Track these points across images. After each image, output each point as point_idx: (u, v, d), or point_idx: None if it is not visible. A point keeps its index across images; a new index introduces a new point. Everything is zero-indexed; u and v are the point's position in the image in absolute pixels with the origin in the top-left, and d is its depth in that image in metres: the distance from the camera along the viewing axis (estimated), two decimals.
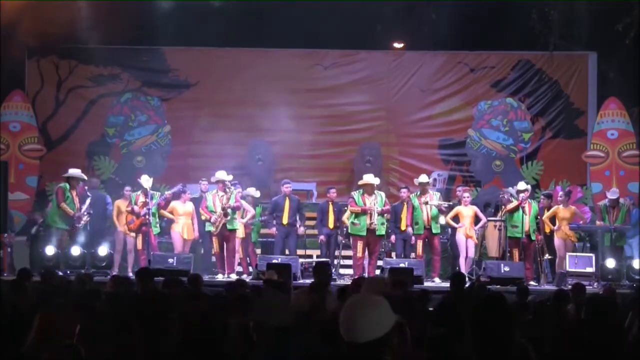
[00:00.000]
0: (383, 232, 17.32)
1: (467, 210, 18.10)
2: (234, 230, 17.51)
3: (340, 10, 20.70)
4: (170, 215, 18.21)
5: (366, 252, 17.33)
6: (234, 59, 22.77)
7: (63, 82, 22.80)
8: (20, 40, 19.97)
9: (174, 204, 18.13)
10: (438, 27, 20.98)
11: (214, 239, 17.48)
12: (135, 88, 23.03)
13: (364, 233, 17.06)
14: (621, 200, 18.60)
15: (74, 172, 17.86)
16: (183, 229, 18.01)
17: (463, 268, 17.71)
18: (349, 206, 17.50)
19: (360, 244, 17.16)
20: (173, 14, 20.65)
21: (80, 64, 22.81)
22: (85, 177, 18.28)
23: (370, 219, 16.94)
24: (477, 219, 18.20)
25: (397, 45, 23.73)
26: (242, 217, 18.11)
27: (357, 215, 17.15)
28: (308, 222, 19.83)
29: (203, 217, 17.63)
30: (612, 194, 18.59)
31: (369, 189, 17.17)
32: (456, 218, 18.16)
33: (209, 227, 17.49)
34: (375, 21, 21.84)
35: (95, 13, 20.19)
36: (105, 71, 22.85)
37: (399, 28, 22.31)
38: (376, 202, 17.06)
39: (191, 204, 18.15)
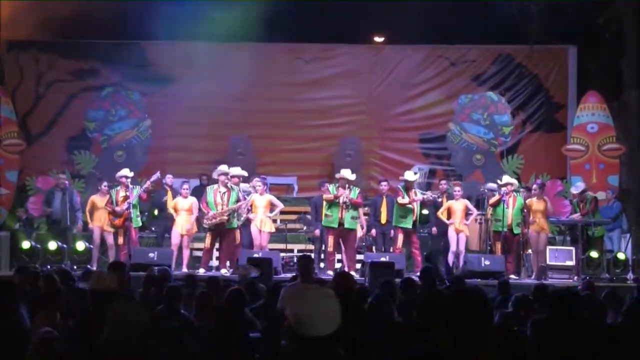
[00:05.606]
0: (354, 227, 17.27)
1: (457, 205, 18.07)
2: (232, 229, 17.30)
3: (321, 4, 20.70)
4: (173, 212, 17.88)
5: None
6: (214, 53, 22.68)
7: (43, 76, 22.71)
8: None
9: (176, 199, 17.86)
10: (419, 21, 20.99)
11: (208, 234, 17.21)
12: (115, 82, 22.94)
13: (335, 225, 17.10)
14: (589, 193, 18.67)
15: (224, 168, 17.58)
16: (180, 225, 17.57)
17: (450, 262, 17.74)
18: (323, 195, 17.54)
19: (331, 238, 17.17)
20: (152, 8, 20.53)
21: (60, 58, 22.74)
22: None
23: (341, 213, 17.02)
24: (467, 212, 18.18)
25: (377, 39, 23.73)
26: (271, 212, 17.78)
27: (329, 206, 17.17)
28: (289, 217, 19.84)
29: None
30: (576, 188, 18.68)
31: (344, 183, 17.20)
32: (447, 212, 18.18)
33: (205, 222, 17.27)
34: (356, 15, 21.83)
35: (76, 7, 20.09)
36: (85, 65, 22.79)
37: (379, 22, 22.31)
38: (349, 195, 17.10)
39: (192, 199, 17.72)
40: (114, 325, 4.57)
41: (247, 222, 17.60)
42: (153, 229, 19.23)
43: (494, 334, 4.71)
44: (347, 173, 17.34)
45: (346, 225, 17.10)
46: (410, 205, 17.53)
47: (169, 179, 18.62)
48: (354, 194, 17.18)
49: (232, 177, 17.46)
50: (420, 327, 6.45)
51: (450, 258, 17.94)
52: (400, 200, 17.60)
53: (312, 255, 16.15)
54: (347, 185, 17.14)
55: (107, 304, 5.97)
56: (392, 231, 17.90)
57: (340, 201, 17.00)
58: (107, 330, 4.55)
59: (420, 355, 4.56)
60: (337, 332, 3.94)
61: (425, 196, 17.94)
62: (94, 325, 6.10)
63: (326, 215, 17.29)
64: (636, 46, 20.91)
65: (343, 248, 17.34)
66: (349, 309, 5.01)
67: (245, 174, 17.97)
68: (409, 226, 17.60)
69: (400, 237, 17.66)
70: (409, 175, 17.98)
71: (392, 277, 11.85)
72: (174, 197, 18.22)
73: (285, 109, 22.96)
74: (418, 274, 16.96)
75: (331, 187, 17.34)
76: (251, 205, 17.52)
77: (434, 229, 18.64)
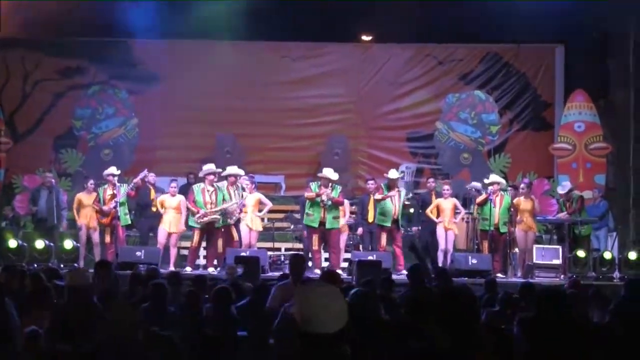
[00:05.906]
0: (335, 226, 17.26)
1: (446, 203, 18.03)
2: (219, 228, 17.26)
3: (309, 3, 20.67)
4: (160, 209, 17.78)
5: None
6: (201, 51, 22.59)
7: (30, 75, 22.62)
8: None
9: (163, 197, 17.83)
10: (406, 20, 20.97)
11: (196, 232, 17.12)
12: (102, 81, 22.88)
13: (316, 225, 17.07)
14: (575, 192, 18.69)
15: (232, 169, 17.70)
16: (167, 223, 17.42)
17: (440, 261, 17.73)
18: (305, 193, 17.48)
19: (315, 237, 17.13)
20: (140, 6, 20.47)
21: (46, 56, 22.65)
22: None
23: (323, 213, 17.01)
24: (455, 211, 18.18)
25: (365, 37, 23.71)
26: (259, 211, 17.73)
27: (311, 205, 17.12)
28: (276, 215, 19.82)
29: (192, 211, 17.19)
30: (562, 188, 18.69)
31: (326, 182, 17.17)
32: (436, 210, 18.16)
33: (192, 222, 17.12)
34: (344, 13, 21.78)
35: (63, 5, 20.01)
36: (72, 64, 22.71)
37: (367, 20, 22.26)
38: (331, 193, 17.07)
39: (180, 197, 17.58)
40: (101, 326, 4.55)
41: (237, 221, 17.59)
42: (137, 227, 19.07)
43: (485, 333, 4.71)
44: (329, 172, 17.29)
45: (327, 226, 17.07)
46: (389, 204, 17.52)
47: (151, 177, 18.55)
48: (335, 192, 17.16)
49: (229, 176, 17.43)
50: (408, 325, 6.45)
51: (440, 256, 17.94)
52: (376, 196, 17.61)
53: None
54: (329, 184, 17.15)
55: (86, 300, 5.97)
56: (377, 229, 17.89)
57: (320, 199, 16.98)
58: (94, 330, 4.55)
59: (417, 354, 4.56)
60: (342, 331, 3.92)
61: (407, 197, 17.99)
62: (73, 321, 6.09)
63: (307, 214, 17.22)
64: (623, 45, 20.94)
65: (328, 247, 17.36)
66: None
67: (242, 172, 17.89)
68: (389, 224, 17.58)
69: (384, 235, 17.65)
70: (392, 174, 18.03)
71: (378, 275, 11.83)
72: (156, 195, 18.17)
73: (272, 107, 22.92)
74: (404, 271, 17.15)
75: (313, 185, 17.26)
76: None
77: (414, 228, 18.67)
